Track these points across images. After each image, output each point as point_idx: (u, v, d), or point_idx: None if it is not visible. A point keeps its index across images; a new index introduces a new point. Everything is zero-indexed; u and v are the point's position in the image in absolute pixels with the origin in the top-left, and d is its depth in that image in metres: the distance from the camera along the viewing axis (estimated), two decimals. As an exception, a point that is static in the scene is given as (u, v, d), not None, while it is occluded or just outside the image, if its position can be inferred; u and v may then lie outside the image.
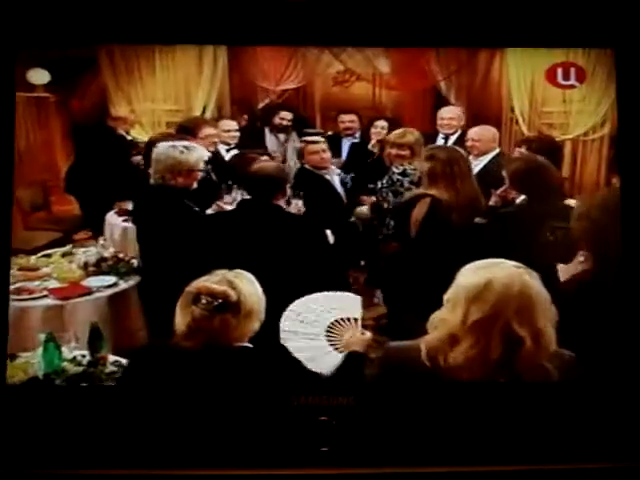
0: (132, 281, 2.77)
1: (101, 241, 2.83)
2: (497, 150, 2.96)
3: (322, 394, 2.10)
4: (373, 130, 3.18)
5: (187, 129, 3.02)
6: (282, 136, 3.28)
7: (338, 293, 2.34)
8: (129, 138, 3.11)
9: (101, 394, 2.22)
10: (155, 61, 2.94)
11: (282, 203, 2.64)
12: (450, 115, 3.12)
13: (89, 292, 2.69)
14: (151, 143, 2.82)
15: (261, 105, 3.26)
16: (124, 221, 2.93)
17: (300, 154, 3.03)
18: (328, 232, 2.70)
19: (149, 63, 2.94)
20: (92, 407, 2.11)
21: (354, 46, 2.87)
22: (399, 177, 2.84)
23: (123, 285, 2.75)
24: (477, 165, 2.96)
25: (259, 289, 2.10)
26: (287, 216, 2.67)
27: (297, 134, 3.24)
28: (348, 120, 3.23)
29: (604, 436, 2.11)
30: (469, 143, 2.99)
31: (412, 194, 2.70)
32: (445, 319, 1.89)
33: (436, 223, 2.60)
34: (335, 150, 3.14)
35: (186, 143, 2.78)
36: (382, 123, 3.17)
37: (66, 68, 2.68)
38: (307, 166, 2.99)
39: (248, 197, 2.68)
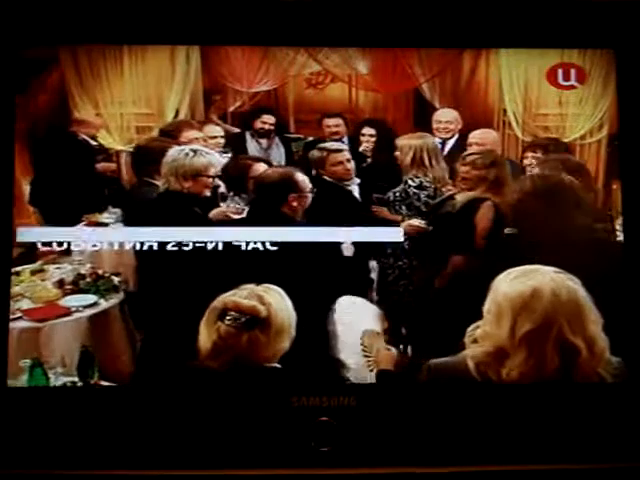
0: (114, 300, 2.59)
1: (76, 257, 2.59)
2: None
3: (322, 394, 2.10)
4: (362, 138, 3.08)
5: (168, 133, 2.87)
6: (264, 141, 3.13)
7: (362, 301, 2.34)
8: (94, 144, 2.90)
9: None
10: (124, 62, 2.75)
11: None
12: (447, 119, 3.01)
13: (68, 313, 2.50)
14: (139, 149, 2.73)
15: (232, 108, 3.05)
16: (96, 235, 2.66)
17: (319, 164, 2.88)
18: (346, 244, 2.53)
19: (117, 64, 2.74)
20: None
21: (331, 46, 2.75)
22: (415, 190, 2.77)
23: (105, 304, 2.58)
24: None
25: (290, 304, 2.08)
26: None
27: (280, 139, 3.12)
28: (334, 124, 3.07)
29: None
30: (474, 148, 2.91)
31: (467, 198, 2.58)
32: (489, 332, 1.88)
33: (498, 231, 2.50)
34: None
35: (196, 147, 2.75)
36: (370, 131, 3.07)
37: (23, 70, 2.45)
38: (326, 177, 2.86)
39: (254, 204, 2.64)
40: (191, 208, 2.64)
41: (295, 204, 2.61)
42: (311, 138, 3.08)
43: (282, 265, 2.33)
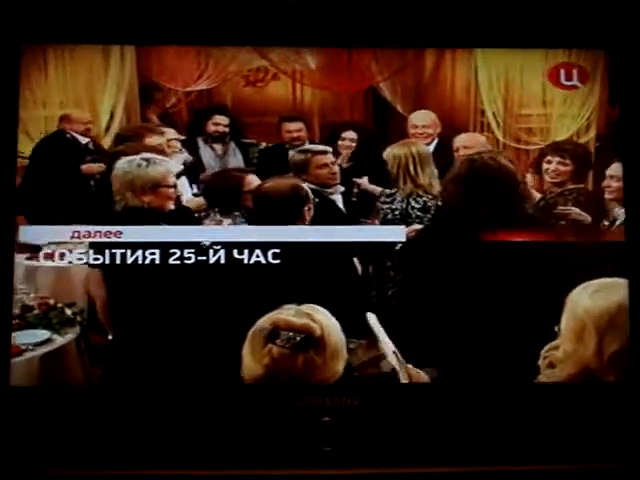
0: (71, 334, 2.28)
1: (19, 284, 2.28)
2: None
3: (325, 395, 2.12)
4: (341, 143, 2.83)
5: (124, 138, 2.61)
6: (219, 147, 2.83)
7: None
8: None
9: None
10: (48, 61, 2.51)
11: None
12: (424, 122, 2.81)
13: (18, 352, 2.18)
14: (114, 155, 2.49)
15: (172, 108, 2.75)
16: (27, 259, 2.36)
17: (302, 168, 2.69)
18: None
19: (39, 63, 2.50)
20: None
21: (274, 46, 2.60)
22: (419, 213, 2.64)
23: (60, 340, 2.26)
24: None
25: (337, 324, 2.06)
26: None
27: (236, 143, 2.83)
28: (295, 129, 2.82)
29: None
30: (460, 152, 2.74)
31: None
32: (570, 351, 1.86)
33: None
34: (283, 166, 2.76)
35: (148, 155, 2.54)
36: (351, 134, 2.83)
37: None
38: (308, 184, 2.63)
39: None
40: (157, 224, 2.44)
41: (308, 217, 2.50)
42: (264, 144, 2.83)
43: (301, 280, 2.29)
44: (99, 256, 2.31)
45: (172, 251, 2.32)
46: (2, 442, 2.08)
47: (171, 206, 2.51)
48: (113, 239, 2.34)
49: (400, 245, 2.45)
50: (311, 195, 2.55)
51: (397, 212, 2.67)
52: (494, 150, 2.66)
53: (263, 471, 2.06)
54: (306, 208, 2.51)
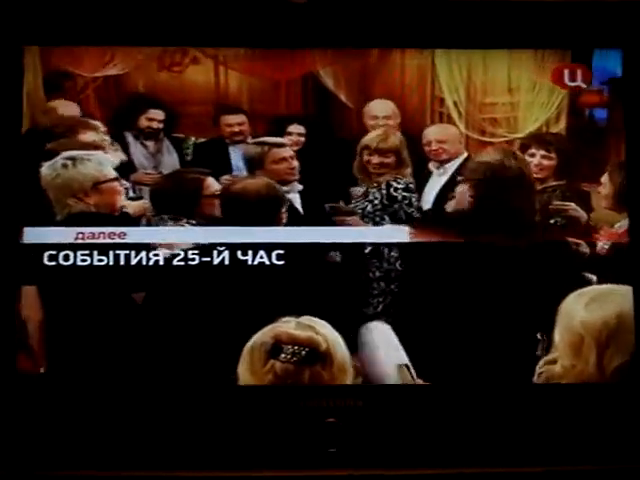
0: None
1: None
2: (465, 154, 2.60)
3: (329, 396, 2.12)
4: (287, 137, 2.60)
5: (55, 135, 2.41)
6: (152, 144, 2.60)
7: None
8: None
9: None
10: None
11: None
12: (384, 113, 2.61)
13: None
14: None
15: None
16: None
17: (257, 163, 2.55)
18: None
19: None
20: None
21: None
22: (405, 194, 2.50)
23: None
24: (443, 175, 2.61)
25: (340, 337, 2.05)
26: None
27: (170, 140, 2.61)
28: (236, 122, 2.61)
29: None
30: (433, 147, 2.60)
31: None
32: (568, 367, 1.81)
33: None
34: (223, 163, 2.60)
35: (71, 153, 2.37)
36: (298, 128, 2.61)
37: None
38: None
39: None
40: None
41: (284, 221, 2.41)
42: (203, 139, 2.63)
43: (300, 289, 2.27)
44: (103, 257, 2.29)
45: (175, 252, 2.29)
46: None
47: (123, 202, 2.38)
48: (117, 240, 2.30)
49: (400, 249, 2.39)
50: (286, 196, 2.47)
51: (377, 201, 2.53)
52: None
53: (267, 472, 2.08)
54: (282, 210, 2.42)
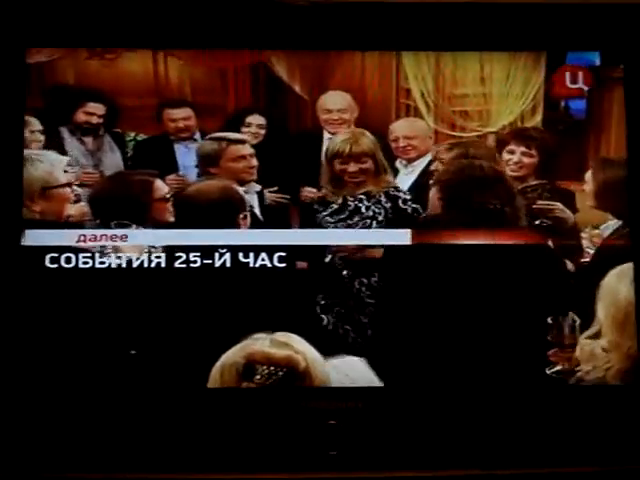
0: None
1: None
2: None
3: (330, 398, 2.10)
4: (245, 130, 2.44)
5: None
6: (90, 140, 2.39)
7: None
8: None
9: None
10: None
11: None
12: (339, 106, 2.44)
13: None
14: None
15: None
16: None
17: (212, 160, 2.41)
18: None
19: None
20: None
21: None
22: (415, 205, 2.38)
23: None
24: (411, 173, 2.46)
25: (319, 355, 1.99)
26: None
27: (111, 136, 2.42)
28: (182, 117, 2.43)
29: None
30: (401, 143, 2.44)
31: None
32: (616, 344, 1.83)
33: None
34: (168, 162, 2.43)
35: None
36: (258, 119, 2.45)
37: None
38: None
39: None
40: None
41: (243, 227, 2.30)
42: (143, 135, 2.45)
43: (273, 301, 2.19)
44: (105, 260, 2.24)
45: (178, 254, 2.23)
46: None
47: (71, 211, 2.25)
48: (119, 243, 2.24)
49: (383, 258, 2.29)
50: (247, 200, 2.34)
51: (381, 217, 2.39)
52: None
53: (268, 475, 2.07)
54: (241, 216, 2.29)
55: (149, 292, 2.21)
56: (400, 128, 2.43)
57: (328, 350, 2.08)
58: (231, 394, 2.04)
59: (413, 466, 2.09)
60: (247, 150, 2.41)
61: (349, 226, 2.36)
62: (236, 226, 2.28)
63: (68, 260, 2.20)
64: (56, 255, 2.20)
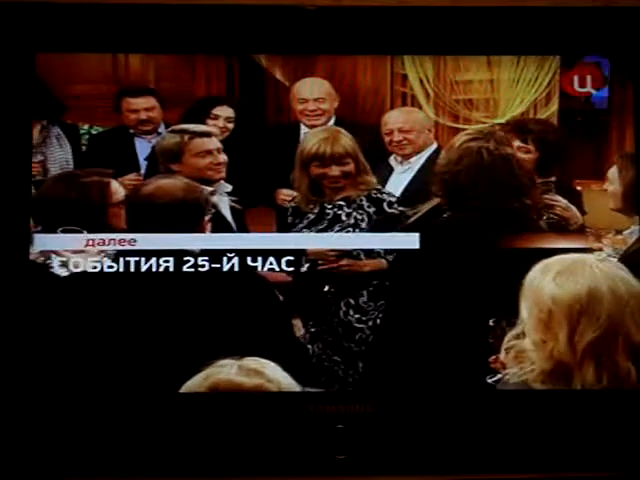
0: None
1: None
2: (434, 145, 2.27)
3: (339, 402, 2.11)
4: (212, 122, 2.24)
5: None
6: (35, 132, 2.18)
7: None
8: None
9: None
10: None
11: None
12: (316, 94, 2.25)
13: None
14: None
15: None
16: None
17: (172, 155, 2.23)
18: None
19: None
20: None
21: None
22: (402, 208, 2.21)
23: None
24: (407, 171, 2.27)
25: (294, 382, 1.95)
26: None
27: (61, 128, 2.21)
28: (144, 107, 2.21)
29: None
30: (395, 137, 2.25)
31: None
32: (540, 344, 1.76)
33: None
34: (128, 159, 2.23)
35: None
36: (226, 111, 2.24)
37: None
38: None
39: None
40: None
41: (207, 231, 2.16)
42: (100, 128, 2.25)
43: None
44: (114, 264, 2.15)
45: (186, 259, 2.14)
46: None
47: None
48: (127, 247, 2.14)
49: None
50: (211, 200, 2.19)
51: (364, 224, 2.24)
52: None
53: (276, 479, 2.06)
54: (206, 218, 2.16)
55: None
56: (394, 120, 2.23)
57: (308, 379, 2.07)
58: (237, 398, 1.96)
59: (422, 471, 2.08)
60: (213, 144, 2.22)
61: (330, 237, 2.24)
62: (199, 231, 2.12)
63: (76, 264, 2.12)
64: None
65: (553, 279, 1.75)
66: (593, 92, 2.21)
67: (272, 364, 1.87)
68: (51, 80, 2.11)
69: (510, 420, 2.09)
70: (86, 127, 2.23)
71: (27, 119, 2.14)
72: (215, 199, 2.24)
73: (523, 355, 1.80)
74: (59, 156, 2.18)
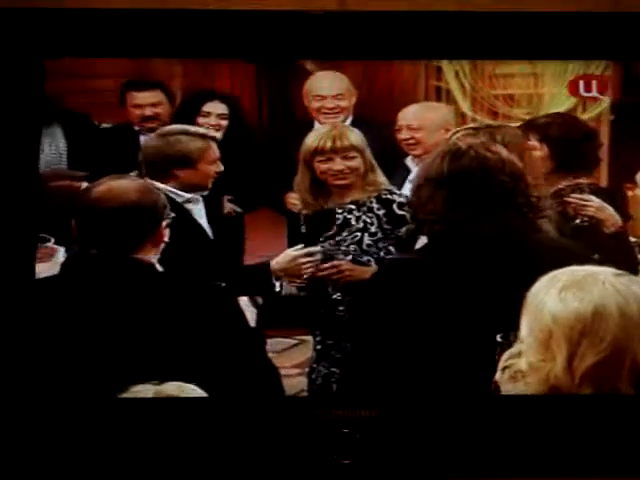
0: None
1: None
2: None
3: (345, 406, 2.08)
4: (203, 120, 2.14)
5: None
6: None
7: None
8: None
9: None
10: None
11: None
12: (335, 91, 2.13)
13: None
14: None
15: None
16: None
17: (190, 160, 2.09)
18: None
19: None
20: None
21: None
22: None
23: None
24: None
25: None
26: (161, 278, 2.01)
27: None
28: (150, 102, 2.11)
29: None
30: (403, 135, 2.12)
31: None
32: (535, 365, 1.64)
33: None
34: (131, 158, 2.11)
35: None
36: (218, 107, 2.14)
37: None
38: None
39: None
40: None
41: (165, 239, 1.98)
42: (107, 125, 2.19)
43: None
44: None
45: None
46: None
47: None
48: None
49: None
50: (167, 204, 2.01)
51: (374, 227, 2.12)
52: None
53: None
54: (164, 224, 1.97)
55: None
56: (406, 116, 2.09)
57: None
58: (241, 401, 2.04)
59: (427, 476, 2.08)
60: (217, 152, 2.12)
61: (337, 244, 2.05)
62: (157, 238, 1.91)
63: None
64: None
65: (558, 293, 1.62)
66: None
67: (197, 389, 1.79)
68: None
69: (516, 426, 2.06)
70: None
71: (36, 127, 2.09)
72: (189, 206, 2.12)
73: (518, 376, 1.71)
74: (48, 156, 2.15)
